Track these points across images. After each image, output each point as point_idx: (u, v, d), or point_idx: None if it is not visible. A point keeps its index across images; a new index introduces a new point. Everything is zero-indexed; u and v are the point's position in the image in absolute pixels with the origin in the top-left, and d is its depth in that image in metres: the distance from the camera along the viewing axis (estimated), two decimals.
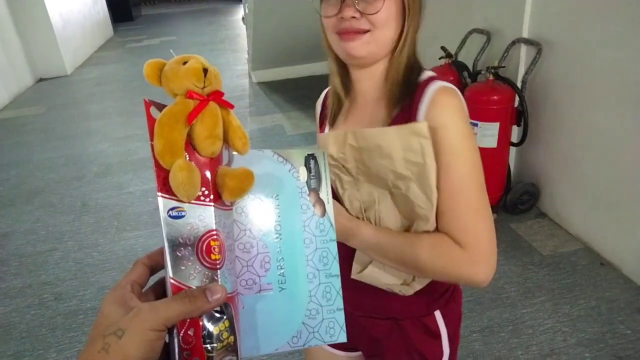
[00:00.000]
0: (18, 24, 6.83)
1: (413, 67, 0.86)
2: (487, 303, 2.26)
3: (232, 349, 0.45)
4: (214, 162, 0.48)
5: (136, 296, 0.45)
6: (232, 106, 0.50)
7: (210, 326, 0.44)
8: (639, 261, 2.30)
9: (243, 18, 7.99)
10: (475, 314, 2.21)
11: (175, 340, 0.44)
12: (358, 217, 0.84)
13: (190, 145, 0.46)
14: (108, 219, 3.29)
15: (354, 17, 0.78)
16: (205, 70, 0.47)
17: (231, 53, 8.15)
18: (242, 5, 7.52)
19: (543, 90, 2.71)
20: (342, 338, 0.53)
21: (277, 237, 0.53)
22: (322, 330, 0.53)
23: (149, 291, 0.49)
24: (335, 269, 0.55)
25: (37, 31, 7.05)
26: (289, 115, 4.91)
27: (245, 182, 0.48)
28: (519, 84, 2.73)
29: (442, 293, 0.95)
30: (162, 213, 0.45)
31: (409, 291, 0.88)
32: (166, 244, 0.45)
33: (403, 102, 0.83)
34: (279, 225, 0.54)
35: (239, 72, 6.84)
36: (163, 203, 0.45)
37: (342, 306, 0.54)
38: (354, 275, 0.88)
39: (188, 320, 0.44)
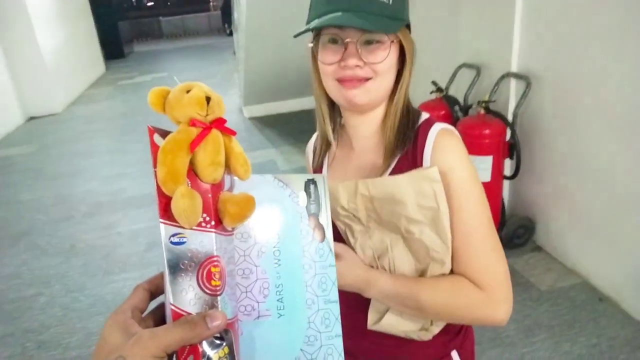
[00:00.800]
0: (9, 61, 6.86)
1: (409, 111, 0.87)
2: (486, 343, 2.19)
3: None
4: (216, 188, 0.48)
5: (136, 321, 0.46)
6: (234, 133, 0.50)
7: (210, 352, 0.44)
8: (638, 296, 2.26)
9: (234, 52, 8.12)
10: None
11: None
12: (372, 266, 0.82)
13: (192, 171, 0.47)
14: (96, 261, 3.21)
15: (357, 66, 0.78)
16: (208, 99, 0.48)
17: (223, 88, 8.21)
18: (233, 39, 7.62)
19: (534, 123, 2.72)
20: None
21: (276, 263, 0.53)
22: (320, 356, 0.52)
23: (149, 316, 0.49)
24: (335, 294, 0.54)
25: (28, 69, 7.06)
26: (281, 150, 4.90)
27: (246, 208, 0.48)
28: (509, 117, 2.74)
29: (457, 332, 0.94)
30: (164, 239, 0.46)
31: (427, 336, 0.85)
32: (167, 270, 0.45)
33: (405, 148, 0.83)
34: (278, 251, 0.53)
35: (231, 107, 6.86)
36: (165, 229, 0.46)
37: (340, 332, 0.54)
38: (371, 325, 0.85)
39: (188, 346, 0.44)
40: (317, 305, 0.53)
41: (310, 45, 0.85)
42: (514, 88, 2.80)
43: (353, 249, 0.82)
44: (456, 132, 0.84)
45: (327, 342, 0.53)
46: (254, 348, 0.50)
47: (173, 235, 0.46)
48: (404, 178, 0.77)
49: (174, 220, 0.45)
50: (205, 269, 0.45)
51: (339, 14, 0.75)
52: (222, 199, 0.48)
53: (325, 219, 0.56)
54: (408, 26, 0.82)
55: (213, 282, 0.46)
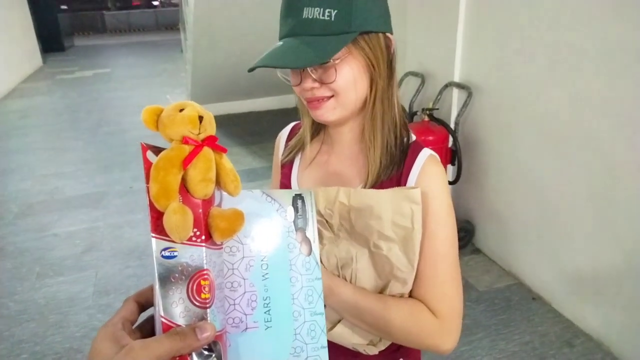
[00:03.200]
0: None
1: (396, 130, 0.85)
2: None
3: None
4: (207, 203, 0.50)
5: (127, 333, 0.47)
6: (225, 150, 0.52)
7: None
8: (567, 295, 2.41)
9: (182, 50, 7.93)
10: None
11: None
12: (334, 274, 0.81)
13: (184, 187, 0.48)
14: (28, 264, 3.03)
15: (313, 87, 0.78)
16: (200, 118, 0.49)
17: (169, 87, 8.00)
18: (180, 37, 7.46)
19: (474, 131, 2.84)
20: None
21: (263, 276, 0.55)
22: None
23: (138, 328, 0.50)
24: (320, 307, 0.56)
25: None
26: (229, 152, 4.80)
27: (236, 224, 0.50)
28: (452, 125, 2.85)
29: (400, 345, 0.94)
30: (155, 253, 0.47)
31: (373, 351, 0.85)
32: (157, 283, 0.46)
33: (391, 174, 0.83)
34: (266, 264, 0.55)
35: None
36: (156, 244, 0.47)
37: (326, 344, 0.56)
38: None
39: (178, 357, 0.45)
40: (303, 317, 0.55)
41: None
42: (456, 97, 2.91)
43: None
44: (438, 158, 0.85)
45: (313, 353, 0.55)
46: (242, 359, 0.51)
47: (164, 250, 0.47)
48: (386, 194, 0.77)
49: (165, 235, 0.47)
50: (195, 282, 0.47)
51: (280, 44, 0.75)
52: (212, 214, 0.50)
53: (312, 233, 0.57)
54: (386, 34, 0.79)
55: (203, 295, 0.47)
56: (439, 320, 0.79)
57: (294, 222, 0.57)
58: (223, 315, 0.51)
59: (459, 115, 2.80)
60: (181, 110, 0.49)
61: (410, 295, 0.82)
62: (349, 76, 0.77)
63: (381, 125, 0.83)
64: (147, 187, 0.47)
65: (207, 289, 0.47)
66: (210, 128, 0.51)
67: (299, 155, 0.96)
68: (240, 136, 5.25)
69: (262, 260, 0.55)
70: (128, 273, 2.91)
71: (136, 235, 3.35)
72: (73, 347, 2.33)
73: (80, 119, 6.21)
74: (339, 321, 0.82)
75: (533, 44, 2.35)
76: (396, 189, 0.77)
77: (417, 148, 0.85)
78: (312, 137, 0.94)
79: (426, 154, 0.84)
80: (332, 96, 0.78)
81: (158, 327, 0.47)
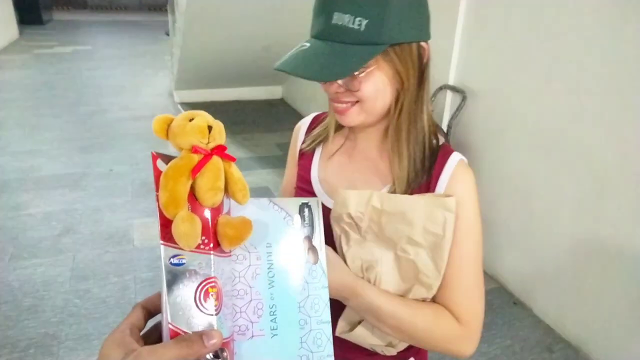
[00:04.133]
0: None
1: (424, 141, 0.83)
2: None
3: None
4: (215, 211, 0.50)
5: (135, 339, 0.47)
6: (234, 159, 0.53)
7: None
8: (548, 301, 2.46)
9: (167, 32, 7.71)
10: None
11: None
12: (358, 276, 0.79)
13: (193, 195, 0.49)
14: (1, 244, 2.92)
15: (338, 92, 0.76)
16: (209, 127, 0.50)
17: (152, 69, 7.82)
18: (166, 19, 7.28)
19: (465, 134, 2.86)
20: None
21: (270, 284, 0.55)
22: None
23: (146, 335, 0.51)
24: (327, 315, 0.56)
25: None
26: None
27: (244, 231, 0.51)
28: (444, 128, 2.86)
29: None
30: (164, 260, 0.47)
31: (391, 352, 0.85)
32: (165, 290, 0.47)
33: (421, 183, 0.82)
34: (272, 272, 0.55)
35: (160, 90, 6.55)
36: (165, 251, 0.48)
37: (332, 352, 0.55)
38: (339, 333, 0.83)
39: None
40: (309, 326, 0.55)
41: None
42: (449, 100, 2.92)
43: (344, 255, 0.79)
44: (467, 162, 0.85)
45: None
46: None
47: (173, 257, 0.48)
48: (421, 200, 0.76)
49: (174, 242, 0.47)
50: (202, 290, 0.48)
51: (307, 45, 0.72)
52: (220, 223, 0.50)
53: (319, 242, 0.57)
54: (420, 43, 0.76)
55: (210, 302, 0.48)
56: (462, 326, 0.79)
57: (301, 230, 0.57)
58: (230, 323, 0.51)
59: (452, 118, 2.82)
60: (191, 119, 0.51)
61: (433, 299, 0.81)
62: (374, 87, 0.75)
63: (406, 137, 0.81)
64: (157, 195, 0.48)
65: (214, 296, 0.48)
66: (219, 137, 0.51)
67: (321, 147, 0.95)
68: (225, 125, 5.15)
69: (268, 269, 0.55)
70: (107, 259, 2.83)
71: (116, 220, 3.26)
72: (49, 333, 2.25)
73: (58, 96, 5.99)
74: (359, 322, 0.81)
75: (530, 52, 2.37)
76: (431, 197, 0.77)
77: (446, 152, 0.83)
78: (336, 130, 0.93)
79: (456, 159, 0.83)
80: (357, 102, 0.77)
81: (165, 334, 0.47)
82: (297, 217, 0.57)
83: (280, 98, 6.43)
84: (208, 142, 0.50)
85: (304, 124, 1.02)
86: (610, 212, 2.07)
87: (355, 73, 0.72)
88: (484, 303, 0.82)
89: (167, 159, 0.50)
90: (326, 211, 0.74)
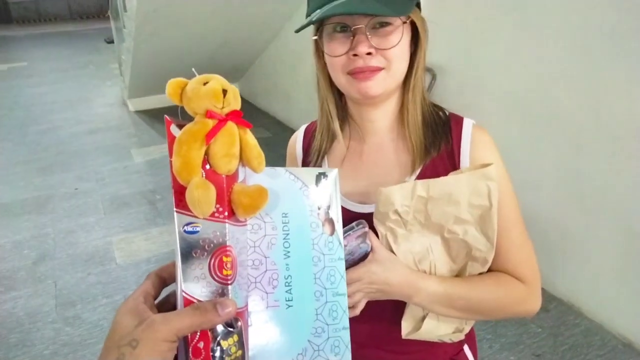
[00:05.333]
0: None
1: (430, 104, 0.84)
2: None
3: None
4: (230, 179, 0.49)
5: (148, 307, 0.47)
6: (250, 125, 0.51)
7: (219, 339, 0.46)
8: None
9: (108, 39, 7.39)
10: None
11: (184, 352, 0.45)
12: (414, 269, 0.77)
13: (207, 162, 0.48)
14: None
15: (369, 54, 0.73)
16: (224, 92, 0.49)
17: (99, 79, 7.50)
18: (102, 26, 6.95)
19: None
20: (347, 357, 0.54)
21: (285, 255, 0.54)
22: (327, 348, 0.53)
23: (160, 303, 0.50)
24: (343, 287, 0.55)
25: None
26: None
27: (259, 200, 0.49)
28: None
29: None
30: (178, 227, 0.47)
31: (460, 337, 0.84)
32: (179, 258, 0.46)
33: (440, 148, 0.81)
34: (288, 243, 0.54)
35: (111, 99, 6.29)
36: (178, 218, 0.47)
37: (347, 325, 0.55)
38: (405, 335, 0.81)
39: (198, 332, 0.45)
40: (325, 298, 0.54)
41: (314, 38, 0.80)
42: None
43: (395, 254, 0.77)
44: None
45: (334, 334, 0.54)
46: (262, 337, 0.50)
47: (187, 224, 0.47)
48: (464, 177, 0.74)
49: (188, 210, 0.46)
50: (217, 258, 0.47)
51: (342, 0, 0.70)
52: (235, 191, 0.49)
53: (335, 213, 0.56)
54: (418, 4, 0.77)
55: (224, 272, 0.47)
56: (526, 284, 0.80)
57: (318, 201, 0.56)
58: (244, 293, 0.51)
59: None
60: (205, 83, 0.49)
61: (490, 269, 0.80)
62: (406, 44, 0.76)
63: (421, 103, 0.82)
64: (170, 161, 0.47)
65: (229, 265, 0.47)
66: (234, 102, 0.50)
67: (326, 159, 0.90)
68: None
69: (284, 239, 0.54)
70: (91, 281, 2.71)
71: (93, 239, 3.12)
72: None
73: (4, 117, 5.66)
74: (423, 318, 0.80)
75: (495, 25, 2.42)
76: (472, 171, 0.75)
77: (457, 119, 0.84)
78: (333, 139, 0.88)
79: (470, 123, 0.83)
80: (383, 69, 0.75)
81: (179, 302, 0.47)
82: (314, 187, 0.56)
83: None
84: (223, 107, 0.49)
85: (298, 141, 0.97)
86: (589, 170, 2.16)
87: (399, 20, 0.73)
88: (535, 256, 0.83)
89: (181, 124, 0.49)
90: (349, 215, 0.73)
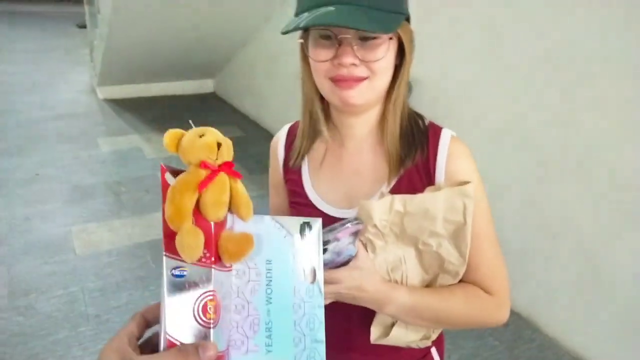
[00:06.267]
0: None
1: (410, 114, 0.84)
2: None
3: None
4: (218, 226, 0.52)
5: (132, 349, 0.48)
6: (240, 176, 0.54)
7: None
8: None
9: (79, 24, 7.14)
10: None
11: None
12: (386, 280, 0.78)
13: (197, 209, 0.51)
14: None
15: (353, 64, 0.73)
16: (219, 145, 0.52)
17: (68, 64, 7.26)
18: (74, 10, 6.74)
19: None
20: None
21: (267, 301, 0.56)
22: None
23: (143, 344, 0.51)
24: (321, 334, 0.57)
25: None
26: (147, 137, 4.52)
27: (245, 247, 0.53)
28: None
29: None
30: (166, 271, 0.49)
31: (427, 344, 0.86)
32: (165, 301, 0.48)
33: (416, 158, 0.82)
34: (270, 289, 0.56)
35: (79, 86, 6.10)
36: (167, 262, 0.49)
37: None
38: (374, 340, 0.81)
39: None
40: (304, 344, 0.56)
41: (300, 41, 0.79)
42: None
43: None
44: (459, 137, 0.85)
45: None
46: None
47: (175, 268, 0.49)
48: (442, 194, 0.75)
49: (177, 254, 0.49)
50: (201, 302, 0.49)
51: (332, 8, 0.69)
52: (223, 237, 0.52)
53: (317, 262, 0.58)
54: (407, 18, 0.79)
55: (207, 315, 0.49)
56: (494, 296, 0.81)
57: (300, 249, 0.58)
58: (226, 336, 0.53)
59: None
60: (201, 136, 0.52)
61: (461, 280, 0.82)
62: (391, 58, 0.76)
63: (401, 117, 0.82)
64: (163, 208, 0.50)
65: (212, 309, 0.49)
66: (227, 155, 0.53)
67: (306, 158, 0.91)
68: (157, 121, 4.93)
69: (267, 285, 0.56)
70: (47, 270, 2.60)
71: (50, 228, 3.01)
72: None
73: None
74: (392, 325, 0.81)
75: (472, 42, 2.49)
76: (450, 188, 0.77)
77: (436, 130, 0.84)
78: (314, 139, 0.89)
79: (448, 134, 0.83)
80: (367, 78, 0.75)
81: (163, 344, 0.48)
82: (298, 236, 0.58)
83: (211, 92, 6.24)
84: (216, 159, 0.52)
85: (280, 140, 0.96)
86: (554, 194, 2.24)
87: (384, 35, 0.72)
88: (506, 268, 0.85)
89: (175, 172, 0.52)
90: (329, 220, 0.72)
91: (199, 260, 0.49)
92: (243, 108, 5.43)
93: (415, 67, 0.77)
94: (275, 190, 0.99)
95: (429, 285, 0.81)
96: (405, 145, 0.82)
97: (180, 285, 0.49)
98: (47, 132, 4.56)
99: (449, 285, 0.81)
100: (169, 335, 0.48)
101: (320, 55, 0.74)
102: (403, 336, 0.82)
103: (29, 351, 2.09)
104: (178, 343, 0.48)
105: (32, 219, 3.10)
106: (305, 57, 0.81)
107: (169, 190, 0.50)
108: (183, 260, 0.49)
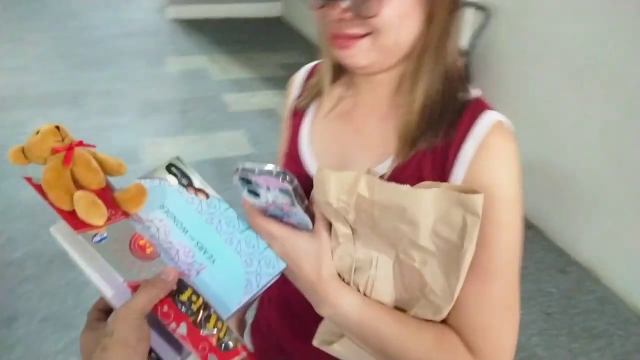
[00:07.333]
0: None
1: (449, 81, 0.62)
2: None
3: (207, 306, 0.52)
4: (106, 190, 0.55)
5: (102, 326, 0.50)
6: (94, 146, 0.56)
7: (177, 297, 0.51)
8: (562, 226, 2.51)
9: None
10: None
11: (160, 325, 0.51)
12: (343, 278, 0.60)
13: (80, 187, 0.52)
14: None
15: (342, 19, 0.57)
16: (57, 128, 0.53)
17: None
18: None
19: (486, 55, 2.76)
20: (282, 265, 0.59)
21: (184, 230, 0.59)
22: (263, 268, 0.59)
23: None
24: (244, 224, 0.61)
25: None
26: (214, 59, 4.54)
27: (140, 190, 0.56)
28: (466, 47, 2.76)
29: None
30: (89, 245, 0.50)
31: None
32: (108, 265, 0.50)
33: (436, 142, 0.60)
34: (179, 222, 0.60)
35: (147, 6, 6.15)
36: (85, 238, 0.50)
37: (266, 244, 0.60)
38: (316, 343, 0.65)
39: (159, 302, 0.50)
40: (236, 238, 0.60)
41: None
42: (471, 18, 2.79)
43: (333, 251, 0.60)
44: (512, 129, 0.60)
45: (261, 256, 0.60)
46: (211, 294, 0.56)
47: (94, 237, 0.51)
48: (428, 194, 0.53)
49: (87, 226, 0.51)
50: (135, 245, 0.53)
51: None
52: (117, 196, 0.55)
53: (199, 182, 0.62)
54: None
55: (148, 250, 0.53)
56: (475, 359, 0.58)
57: (179, 183, 0.61)
58: (173, 264, 0.56)
59: (474, 38, 2.70)
60: (37, 132, 0.53)
61: (443, 320, 0.59)
62: (397, 12, 0.56)
63: (429, 78, 0.61)
64: (50, 203, 0.50)
65: (148, 244, 0.54)
66: (69, 135, 0.54)
67: (316, 103, 0.74)
68: (226, 43, 4.93)
69: (174, 222, 0.59)
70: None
71: (124, 140, 3.16)
72: None
73: (40, 9, 5.61)
74: (341, 336, 0.64)
75: None
76: (445, 190, 0.53)
77: (477, 108, 0.60)
78: (335, 80, 0.71)
79: (492, 118, 0.59)
80: (369, 34, 0.57)
81: (124, 294, 0.50)
82: (171, 177, 0.62)
83: (278, 16, 6.11)
84: (62, 139, 0.53)
85: (297, 78, 0.80)
86: (635, 137, 2.06)
87: None
88: (516, 332, 0.60)
89: (39, 186, 0.53)
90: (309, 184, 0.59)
91: (109, 220, 0.52)
92: (310, 34, 5.31)
93: None
94: (283, 133, 0.83)
95: (402, 309, 0.59)
96: (424, 122, 0.61)
97: (108, 245, 0.51)
98: (120, 49, 4.69)
99: (421, 320, 0.58)
100: (129, 282, 0.50)
101: (315, 5, 0.59)
102: (347, 354, 0.64)
103: None
104: (139, 284, 0.50)
105: (107, 129, 3.26)
106: None
107: (43, 184, 0.50)
108: (96, 227, 0.51)
